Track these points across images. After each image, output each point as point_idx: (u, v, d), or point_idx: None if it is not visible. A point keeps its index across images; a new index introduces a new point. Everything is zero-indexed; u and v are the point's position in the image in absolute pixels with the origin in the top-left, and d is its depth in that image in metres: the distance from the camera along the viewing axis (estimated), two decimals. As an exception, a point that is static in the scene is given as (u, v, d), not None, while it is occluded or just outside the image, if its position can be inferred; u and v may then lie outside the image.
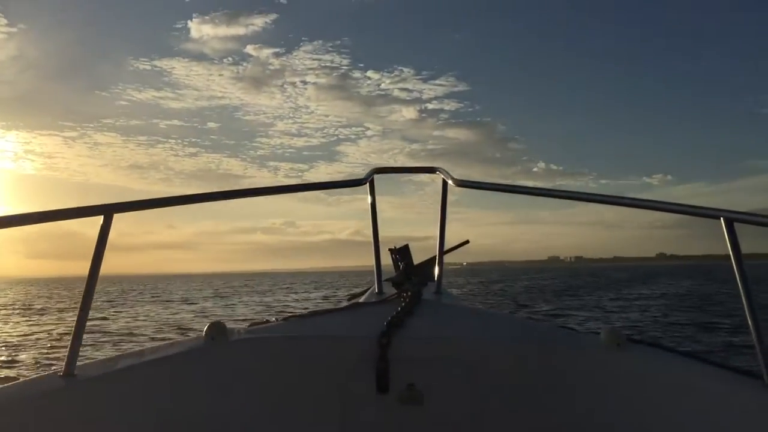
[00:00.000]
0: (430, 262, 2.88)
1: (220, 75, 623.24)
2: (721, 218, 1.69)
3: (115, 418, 1.74)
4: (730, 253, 1.68)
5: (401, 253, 2.94)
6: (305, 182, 3.14)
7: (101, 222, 1.79)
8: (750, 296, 1.65)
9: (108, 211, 1.80)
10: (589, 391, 1.98)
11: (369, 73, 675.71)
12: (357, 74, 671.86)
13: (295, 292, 42.60)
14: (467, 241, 3.88)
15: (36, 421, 1.57)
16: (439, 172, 2.60)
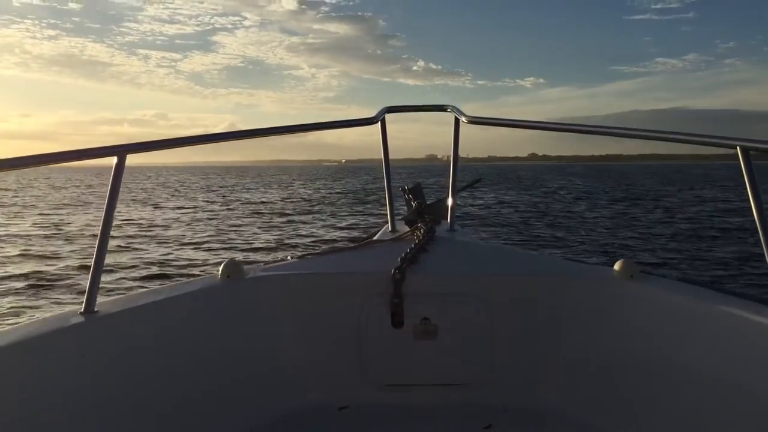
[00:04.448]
0: (443, 200, 2.88)
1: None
2: (737, 147, 1.70)
3: (134, 354, 1.79)
4: (746, 182, 1.66)
5: (414, 192, 2.95)
6: (314, 122, 3.12)
7: (115, 161, 1.82)
8: (766, 224, 1.64)
9: (121, 151, 1.83)
10: (602, 322, 2.02)
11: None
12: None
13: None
14: (480, 179, 4.01)
15: (58, 357, 1.60)
16: (451, 110, 2.62)
